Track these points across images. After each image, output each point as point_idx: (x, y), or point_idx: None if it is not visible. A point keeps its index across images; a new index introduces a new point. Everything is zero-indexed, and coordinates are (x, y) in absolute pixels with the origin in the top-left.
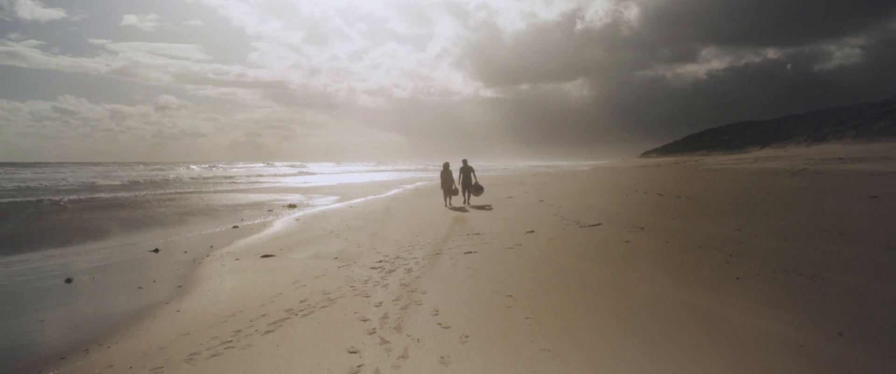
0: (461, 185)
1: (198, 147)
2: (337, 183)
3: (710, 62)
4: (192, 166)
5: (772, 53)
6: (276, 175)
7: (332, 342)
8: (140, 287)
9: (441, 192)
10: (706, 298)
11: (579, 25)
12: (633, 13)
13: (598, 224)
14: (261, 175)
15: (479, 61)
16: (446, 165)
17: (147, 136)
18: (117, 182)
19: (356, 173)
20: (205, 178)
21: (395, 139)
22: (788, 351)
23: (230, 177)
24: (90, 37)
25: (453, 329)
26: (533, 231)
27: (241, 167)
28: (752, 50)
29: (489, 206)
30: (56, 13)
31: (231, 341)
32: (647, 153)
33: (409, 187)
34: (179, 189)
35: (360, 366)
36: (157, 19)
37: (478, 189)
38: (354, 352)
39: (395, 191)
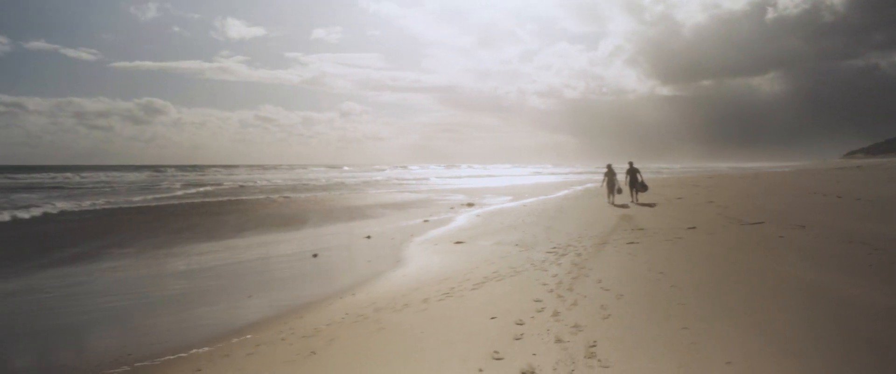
0: (627, 185)
1: (377, 150)
2: (509, 184)
3: None
4: (383, 168)
5: None
6: (451, 176)
7: (521, 295)
8: (369, 261)
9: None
10: (831, 278)
11: (771, 14)
12: None
13: (761, 222)
14: (439, 176)
15: (654, 58)
16: (610, 166)
17: (333, 140)
18: (322, 182)
19: (527, 176)
20: (393, 179)
21: (566, 141)
22: (878, 315)
23: (412, 179)
24: (285, 51)
25: (612, 291)
26: (694, 227)
27: (422, 169)
28: None
29: (655, 205)
30: (258, 31)
31: (448, 293)
32: (851, 153)
33: (579, 188)
34: (374, 189)
35: (542, 308)
36: (341, 31)
37: (643, 187)
38: (538, 301)
39: (565, 192)
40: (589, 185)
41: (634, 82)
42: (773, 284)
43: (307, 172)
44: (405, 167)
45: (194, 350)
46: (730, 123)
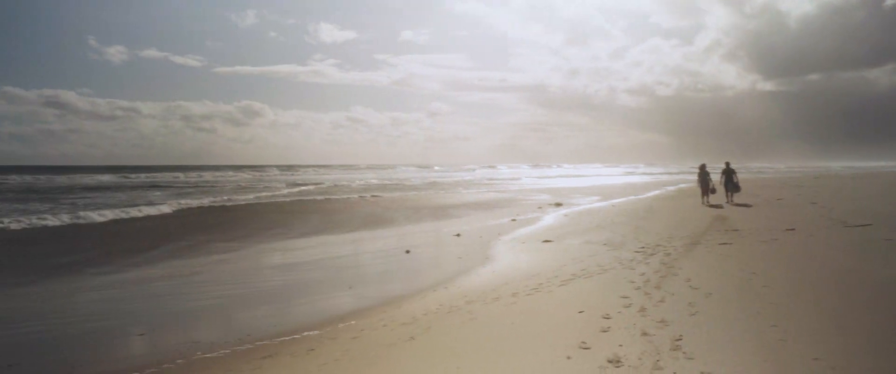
0: (722, 185)
1: (463, 150)
2: (599, 184)
3: None
4: (473, 168)
5: None
6: (539, 176)
7: (608, 292)
8: (459, 257)
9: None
10: None
11: (890, 0)
12: None
13: (867, 225)
14: (527, 176)
15: (755, 52)
16: (703, 166)
17: (420, 140)
18: (415, 182)
19: (618, 176)
20: (483, 179)
21: (659, 140)
22: None
23: (502, 178)
24: (375, 53)
25: (700, 290)
26: (793, 229)
27: (511, 169)
28: None
29: (752, 206)
30: (349, 34)
31: (537, 288)
32: None
33: (671, 188)
34: (465, 188)
35: (629, 304)
36: (429, 33)
37: (736, 187)
38: (625, 297)
39: (656, 192)
40: (682, 185)
41: (733, 78)
42: (874, 287)
43: (397, 171)
44: (494, 167)
45: (306, 333)
46: (841, 120)
